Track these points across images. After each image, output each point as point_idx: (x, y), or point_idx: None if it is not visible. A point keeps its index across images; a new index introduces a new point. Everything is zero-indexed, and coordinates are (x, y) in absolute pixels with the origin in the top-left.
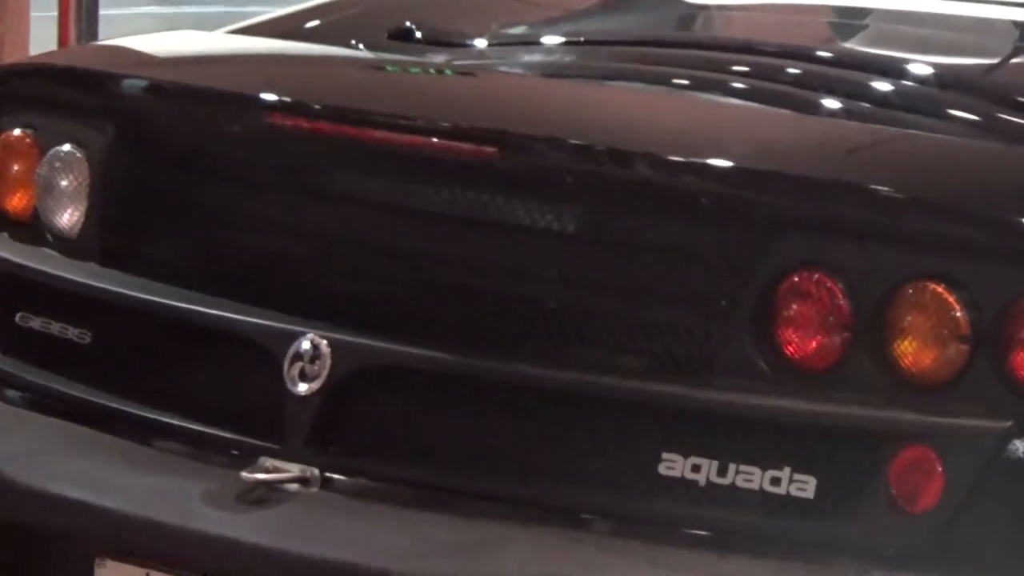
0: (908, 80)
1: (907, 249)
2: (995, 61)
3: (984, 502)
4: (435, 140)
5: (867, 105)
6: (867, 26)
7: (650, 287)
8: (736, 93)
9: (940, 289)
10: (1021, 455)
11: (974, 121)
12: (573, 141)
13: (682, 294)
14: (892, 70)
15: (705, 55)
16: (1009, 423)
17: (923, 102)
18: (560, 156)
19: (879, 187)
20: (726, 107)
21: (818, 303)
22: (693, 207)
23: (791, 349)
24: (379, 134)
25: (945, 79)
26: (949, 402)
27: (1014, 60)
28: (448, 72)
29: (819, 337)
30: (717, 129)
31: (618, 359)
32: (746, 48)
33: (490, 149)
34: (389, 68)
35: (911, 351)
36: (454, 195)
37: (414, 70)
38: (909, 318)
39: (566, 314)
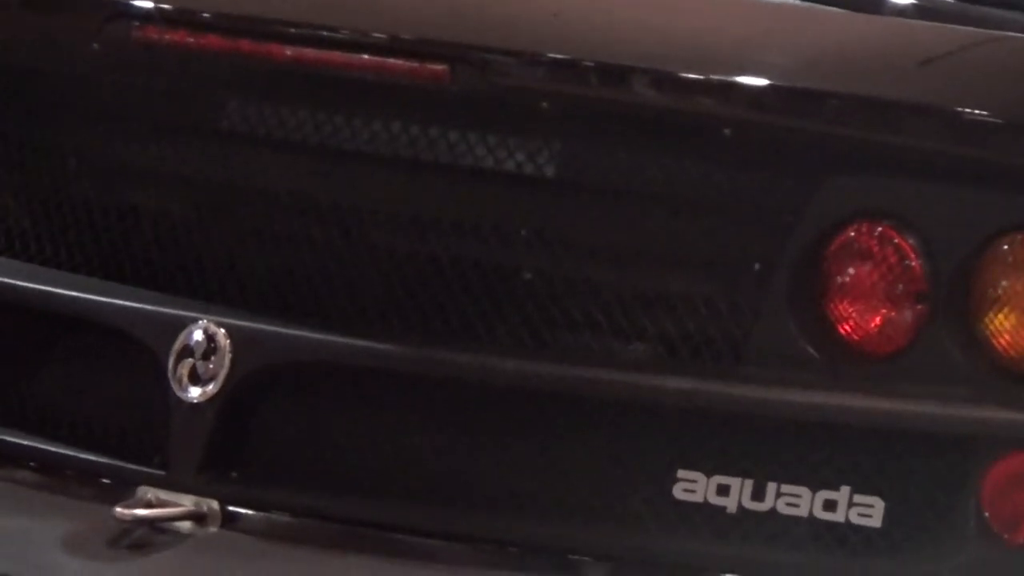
0: None
1: (1002, 191)
2: None
3: None
4: (362, 57)
5: (942, 1)
6: None
7: (655, 250)
8: None
9: None
10: None
11: None
12: (549, 54)
13: (698, 258)
14: None
15: None
16: None
17: None
18: (532, 75)
19: (963, 108)
20: (757, 5)
21: (882, 266)
22: (711, 140)
23: (847, 328)
24: (288, 50)
25: None
26: None
27: None
28: None
29: (884, 311)
30: (741, 34)
31: (614, 346)
32: None
33: (436, 67)
34: None
35: (1009, 327)
36: (389, 130)
37: None
38: (1005, 283)
39: (543, 288)
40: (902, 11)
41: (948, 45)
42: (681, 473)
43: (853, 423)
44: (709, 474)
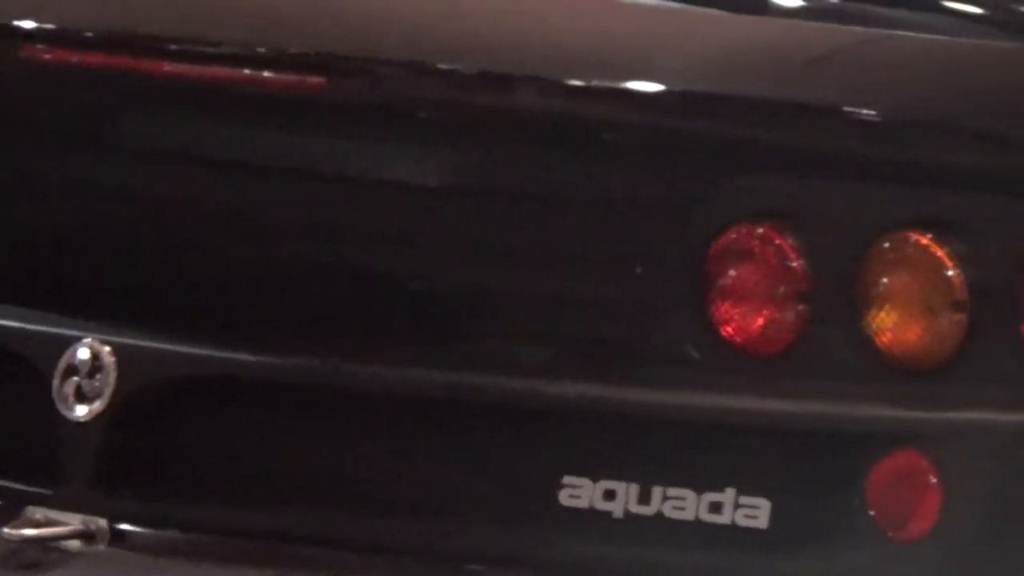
0: None
1: (883, 189)
2: None
3: (998, 523)
4: (242, 70)
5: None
6: None
7: (542, 254)
8: None
9: (927, 241)
10: None
11: (980, 15)
12: (433, 64)
13: (585, 262)
14: None
15: None
16: None
17: None
18: (414, 84)
19: (843, 108)
20: (640, 8)
21: (765, 266)
22: (596, 145)
23: (730, 329)
24: (168, 65)
25: None
26: (945, 390)
27: None
28: None
29: (767, 312)
30: (624, 38)
31: (501, 352)
32: None
33: (315, 78)
34: None
35: (891, 325)
36: (273, 142)
37: None
38: (886, 281)
39: (432, 295)
40: (787, 12)
41: (831, 45)
42: (567, 479)
43: (738, 424)
44: (595, 479)
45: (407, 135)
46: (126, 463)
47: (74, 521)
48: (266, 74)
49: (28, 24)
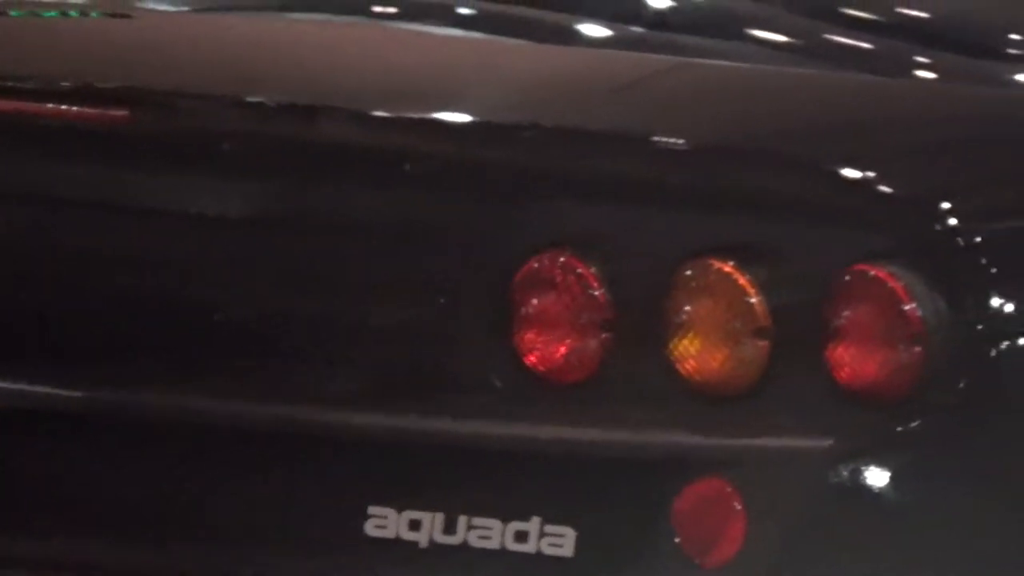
0: None
1: (685, 217)
2: None
3: (802, 548)
4: (47, 105)
5: (636, 28)
6: None
7: (345, 284)
8: (456, 20)
9: (729, 268)
10: (848, 483)
11: (786, 43)
12: (237, 96)
13: (387, 292)
14: None
15: None
16: (830, 441)
17: (712, 20)
18: (219, 116)
19: (645, 136)
20: (441, 40)
21: (567, 295)
22: (403, 174)
23: (533, 358)
24: None
25: None
26: (748, 417)
27: None
28: (52, 13)
29: (570, 340)
30: (428, 70)
31: (306, 382)
32: None
33: (118, 112)
34: None
35: (694, 352)
36: (79, 174)
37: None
38: (689, 308)
39: (236, 325)
40: (591, 42)
41: (634, 74)
42: (372, 509)
43: (543, 453)
44: (401, 509)
45: (209, 167)
46: None
47: None
48: (66, 107)
49: None
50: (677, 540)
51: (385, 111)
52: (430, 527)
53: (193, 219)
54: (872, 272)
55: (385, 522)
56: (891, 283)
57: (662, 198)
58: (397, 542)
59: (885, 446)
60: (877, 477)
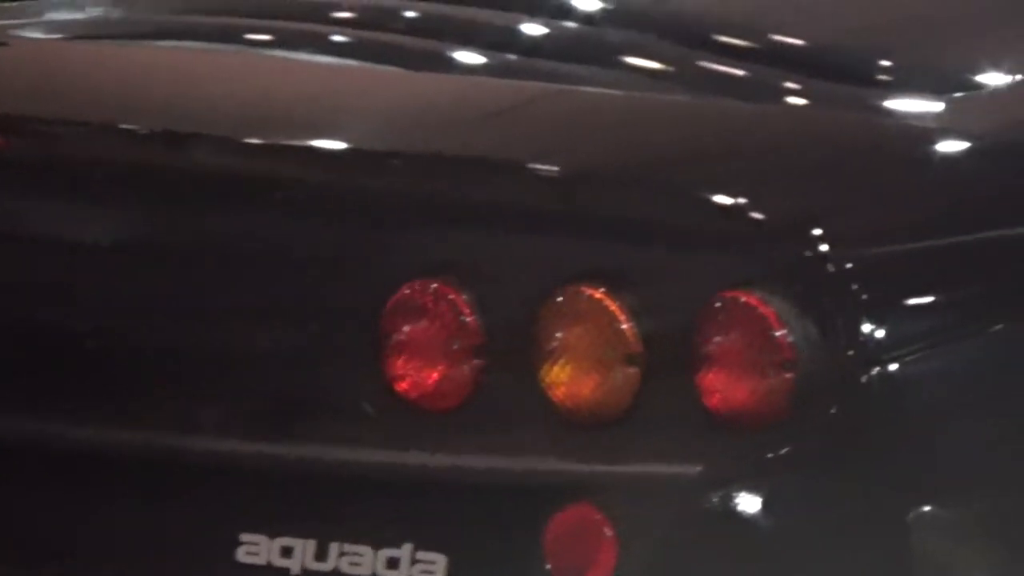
0: (562, 18)
1: (557, 244)
2: None
3: (673, 574)
4: None
5: (510, 56)
6: None
7: (217, 311)
8: (330, 48)
9: (600, 294)
10: (719, 509)
11: (653, 70)
12: (113, 123)
13: (259, 319)
14: (542, 5)
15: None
16: (700, 467)
17: (585, 47)
18: (93, 143)
19: (518, 162)
20: (314, 67)
21: (438, 322)
22: (278, 201)
23: (405, 385)
24: None
25: (611, 14)
26: (619, 443)
27: None
28: None
29: (442, 367)
30: (301, 98)
31: (177, 409)
32: None
33: None
34: None
35: (565, 379)
36: None
37: None
38: (560, 335)
39: (107, 355)
40: (465, 69)
41: (507, 101)
42: (244, 536)
43: (415, 480)
44: (273, 536)
45: (80, 193)
46: None
47: None
48: None
49: None
50: (548, 567)
51: (258, 138)
52: (302, 554)
53: (63, 245)
54: (743, 298)
55: (257, 548)
56: (762, 309)
57: (534, 225)
58: (269, 568)
59: (756, 472)
60: (748, 503)
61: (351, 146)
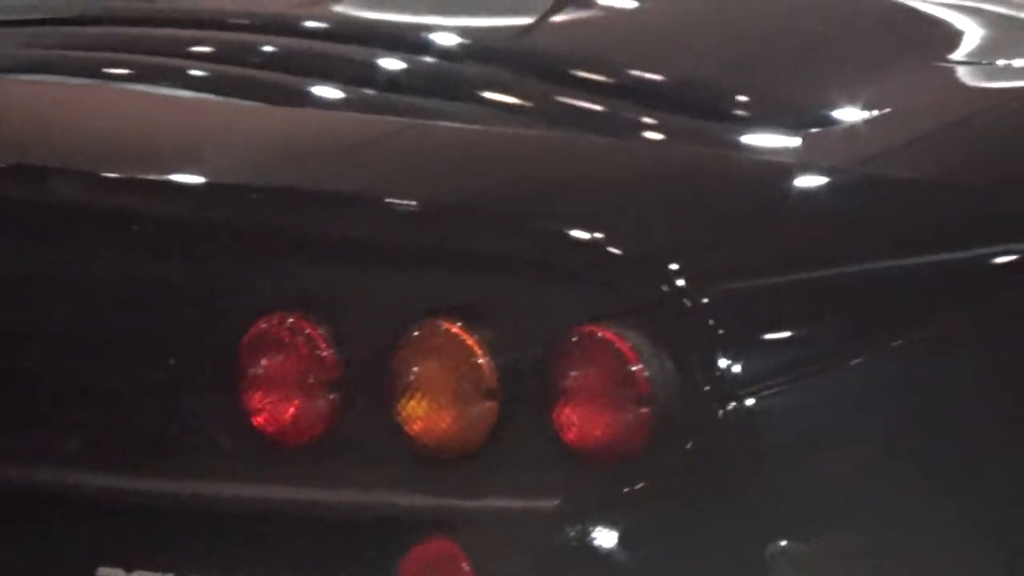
0: (420, 53)
1: (414, 278)
2: (536, 20)
3: None
4: None
5: (368, 90)
6: None
7: (74, 343)
8: (189, 82)
9: (457, 329)
10: (576, 543)
11: (511, 104)
12: None
13: (117, 352)
14: (400, 40)
15: (147, 33)
16: (557, 502)
17: (442, 82)
18: None
19: (375, 196)
20: (170, 102)
21: (295, 356)
22: (129, 234)
23: (262, 419)
24: None
25: (469, 49)
26: (476, 478)
27: (558, 17)
28: None
29: (298, 402)
30: (158, 132)
31: (35, 441)
32: (204, 21)
33: None
34: None
35: (421, 413)
36: None
37: None
38: (417, 369)
39: None
40: (323, 104)
41: (364, 136)
42: (101, 570)
43: (273, 514)
44: (129, 569)
45: None
46: None
47: None
48: None
49: None
50: None
51: (117, 172)
52: None
53: None
54: (599, 333)
55: None
56: (618, 344)
57: (392, 259)
58: None
59: (613, 506)
60: (605, 537)
61: (210, 180)
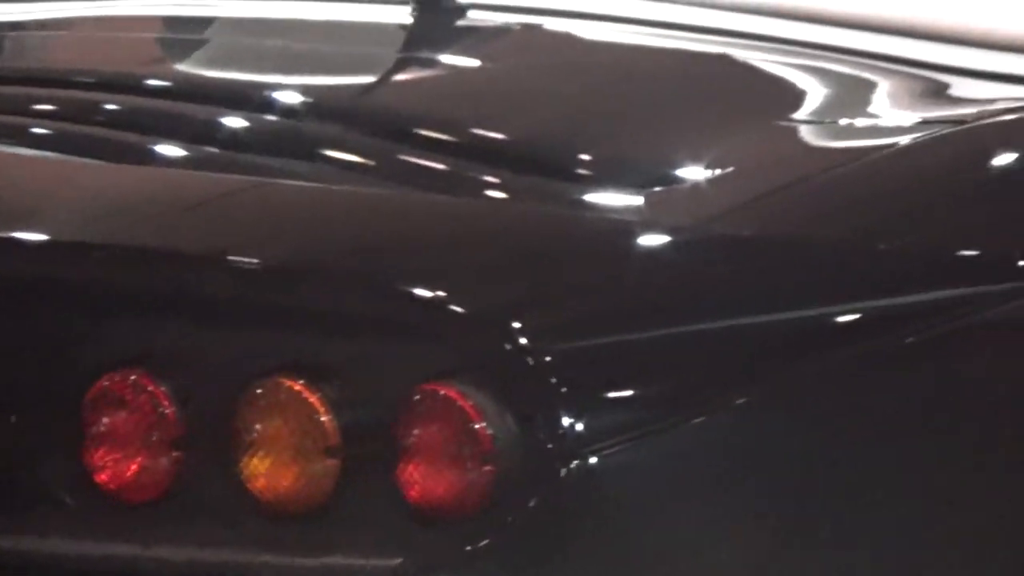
0: (263, 111)
1: (257, 336)
2: (378, 79)
3: None
4: None
5: (210, 148)
6: (215, 41)
7: None
8: (29, 140)
9: (299, 386)
10: None
11: (353, 162)
12: None
13: None
14: (242, 99)
15: None
16: (399, 560)
17: (284, 140)
18: None
19: (218, 254)
20: (10, 159)
21: (137, 413)
22: None
23: (104, 476)
24: None
25: (312, 108)
26: (318, 536)
27: (401, 76)
28: None
29: (140, 459)
30: (10, 190)
31: None
32: (46, 79)
33: None
34: None
35: (264, 471)
36: None
37: None
38: (259, 427)
39: None
40: (165, 161)
41: (207, 192)
42: None
43: (113, 572)
44: None
45: None
46: None
47: None
48: None
49: None
50: None
51: None
52: None
53: None
54: (442, 391)
55: None
56: (460, 402)
57: (233, 317)
58: None
59: (455, 564)
60: None
61: (51, 237)
